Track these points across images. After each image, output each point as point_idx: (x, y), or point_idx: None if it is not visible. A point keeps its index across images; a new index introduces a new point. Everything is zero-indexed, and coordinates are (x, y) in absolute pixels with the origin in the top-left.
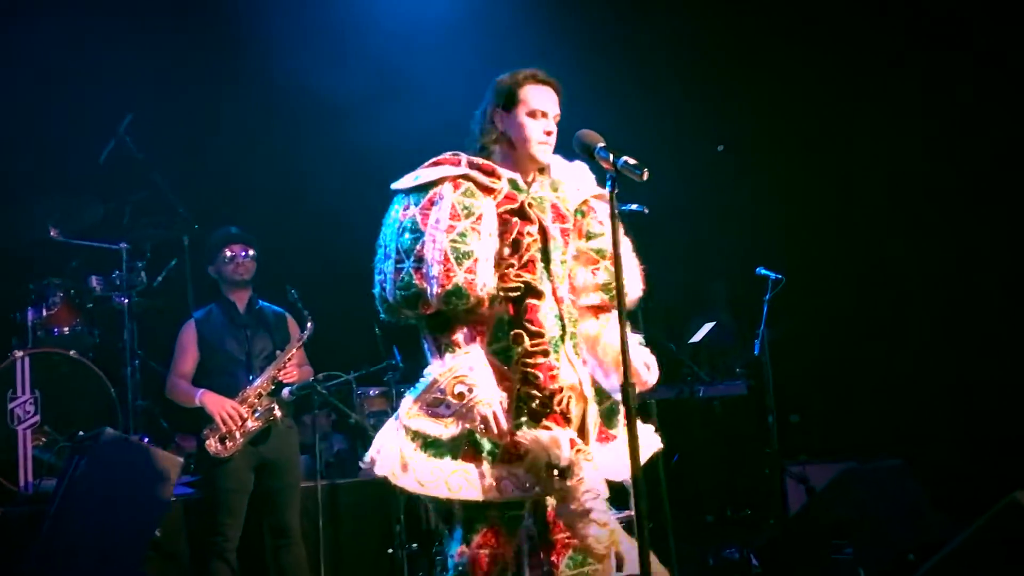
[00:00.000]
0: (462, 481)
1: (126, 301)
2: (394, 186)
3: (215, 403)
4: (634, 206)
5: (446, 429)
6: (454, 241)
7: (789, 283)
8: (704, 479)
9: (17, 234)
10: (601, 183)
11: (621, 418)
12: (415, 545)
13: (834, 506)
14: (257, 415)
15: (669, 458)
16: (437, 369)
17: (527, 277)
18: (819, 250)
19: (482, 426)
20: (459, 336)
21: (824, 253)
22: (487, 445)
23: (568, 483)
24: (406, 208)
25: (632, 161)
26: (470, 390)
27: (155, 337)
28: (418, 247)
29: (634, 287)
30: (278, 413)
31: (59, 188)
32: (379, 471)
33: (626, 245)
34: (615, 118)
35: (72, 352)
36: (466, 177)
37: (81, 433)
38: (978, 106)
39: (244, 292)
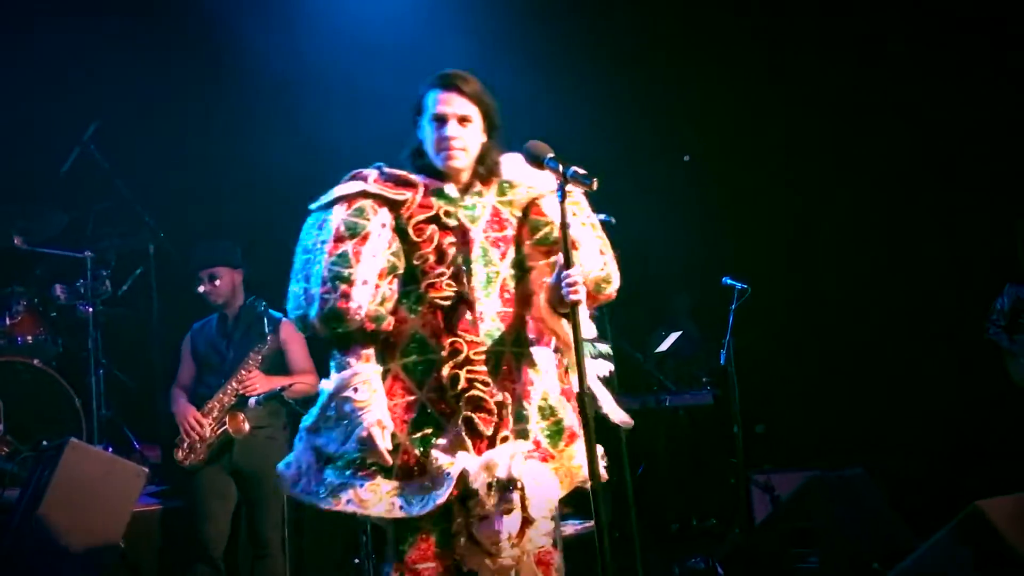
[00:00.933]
0: (353, 497)
1: (90, 310)
2: (310, 207)
3: (180, 413)
4: (601, 216)
5: (342, 445)
6: (333, 263)
7: (754, 293)
8: (669, 489)
9: None
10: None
11: (565, 438)
12: None
13: (799, 515)
14: (220, 426)
15: (635, 468)
16: (328, 386)
17: (456, 288)
18: (784, 259)
19: (363, 446)
20: (351, 354)
21: (788, 262)
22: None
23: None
24: (309, 228)
25: (582, 171)
26: (354, 409)
27: (120, 346)
28: (307, 269)
29: (614, 278)
30: (245, 426)
31: (23, 196)
32: (287, 488)
33: (592, 241)
34: (579, 128)
35: (36, 361)
36: (365, 194)
37: (45, 443)
38: (950, 110)
39: (234, 301)
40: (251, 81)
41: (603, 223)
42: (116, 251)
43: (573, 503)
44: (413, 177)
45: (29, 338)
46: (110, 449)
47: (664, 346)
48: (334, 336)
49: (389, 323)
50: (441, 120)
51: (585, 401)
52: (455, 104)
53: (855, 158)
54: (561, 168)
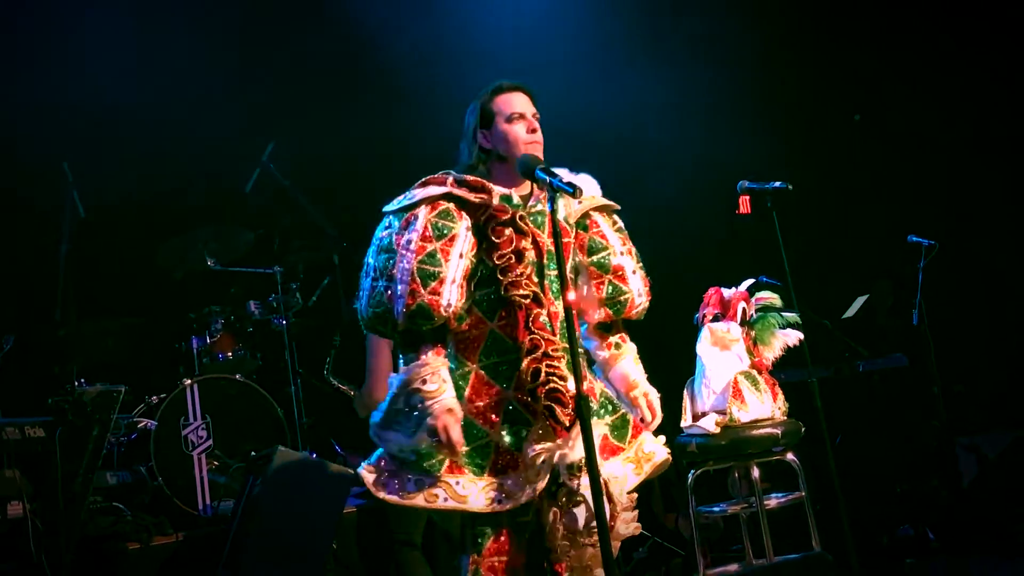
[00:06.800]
0: (449, 494)
1: (284, 323)
2: (384, 209)
3: None
4: (777, 183)
5: (411, 440)
6: (422, 262)
7: (944, 249)
8: (870, 456)
9: (176, 266)
10: (607, 196)
11: (630, 431)
12: None
13: (1009, 474)
14: None
15: (833, 439)
16: (395, 382)
17: (534, 287)
18: (974, 212)
19: (435, 438)
20: (423, 350)
21: (979, 215)
22: (470, 456)
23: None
24: (387, 228)
25: (567, 180)
26: (424, 400)
27: (314, 355)
28: (390, 267)
29: (640, 299)
30: None
31: (212, 219)
32: (373, 490)
33: (628, 262)
34: (750, 92)
35: (237, 376)
36: (449, 197)
37: (253, 453)
38: None
39: None
40: (419, 87)
41: (779, 189)
42: (303, 264)
43: (771, 478)
44: (487, 183)
45: (229, 354)
46: (314, 455)
47: (851, 311)
48: (414, 333)
49: (466, 324)
50: (520, 118)
51: (582, 405)
52: (527, 103)
53: None
54: (548, 179)
